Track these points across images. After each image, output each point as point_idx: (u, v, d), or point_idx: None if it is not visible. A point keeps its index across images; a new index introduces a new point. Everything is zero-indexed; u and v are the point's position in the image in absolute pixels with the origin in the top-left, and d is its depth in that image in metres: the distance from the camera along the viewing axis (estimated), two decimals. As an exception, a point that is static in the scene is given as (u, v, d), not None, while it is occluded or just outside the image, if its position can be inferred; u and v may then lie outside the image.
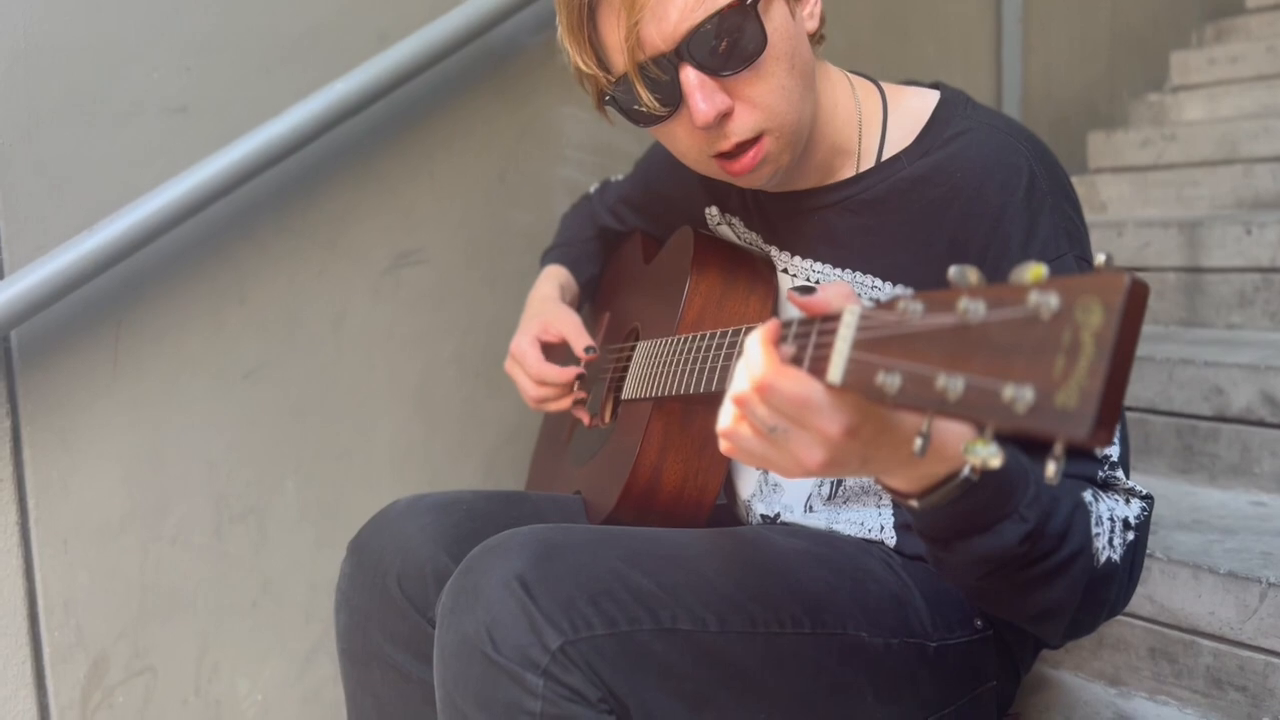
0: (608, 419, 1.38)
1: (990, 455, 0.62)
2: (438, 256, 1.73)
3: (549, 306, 1.44)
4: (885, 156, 1.14)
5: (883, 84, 1.19)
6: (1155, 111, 2.81)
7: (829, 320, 0.73)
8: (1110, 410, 0.54)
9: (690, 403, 1.17)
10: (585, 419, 1.38)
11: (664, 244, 1.40)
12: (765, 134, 1.04)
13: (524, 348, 1.36)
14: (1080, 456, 0.98)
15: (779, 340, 0.75)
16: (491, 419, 1.80)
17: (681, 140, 1.07)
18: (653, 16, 0.97)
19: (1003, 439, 0.68)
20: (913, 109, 1.15)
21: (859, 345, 0.68)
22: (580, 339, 1.36)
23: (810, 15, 1.07)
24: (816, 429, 0.72)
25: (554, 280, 1.52)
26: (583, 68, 1.03)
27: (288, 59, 1.56)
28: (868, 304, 0.70)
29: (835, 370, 0.69)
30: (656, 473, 1.16)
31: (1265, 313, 1.94)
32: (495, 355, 1.77)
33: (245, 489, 1.58)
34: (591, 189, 1.64)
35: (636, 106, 1.03)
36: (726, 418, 0.77)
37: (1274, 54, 2.64)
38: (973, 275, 0.64)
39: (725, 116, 1.02)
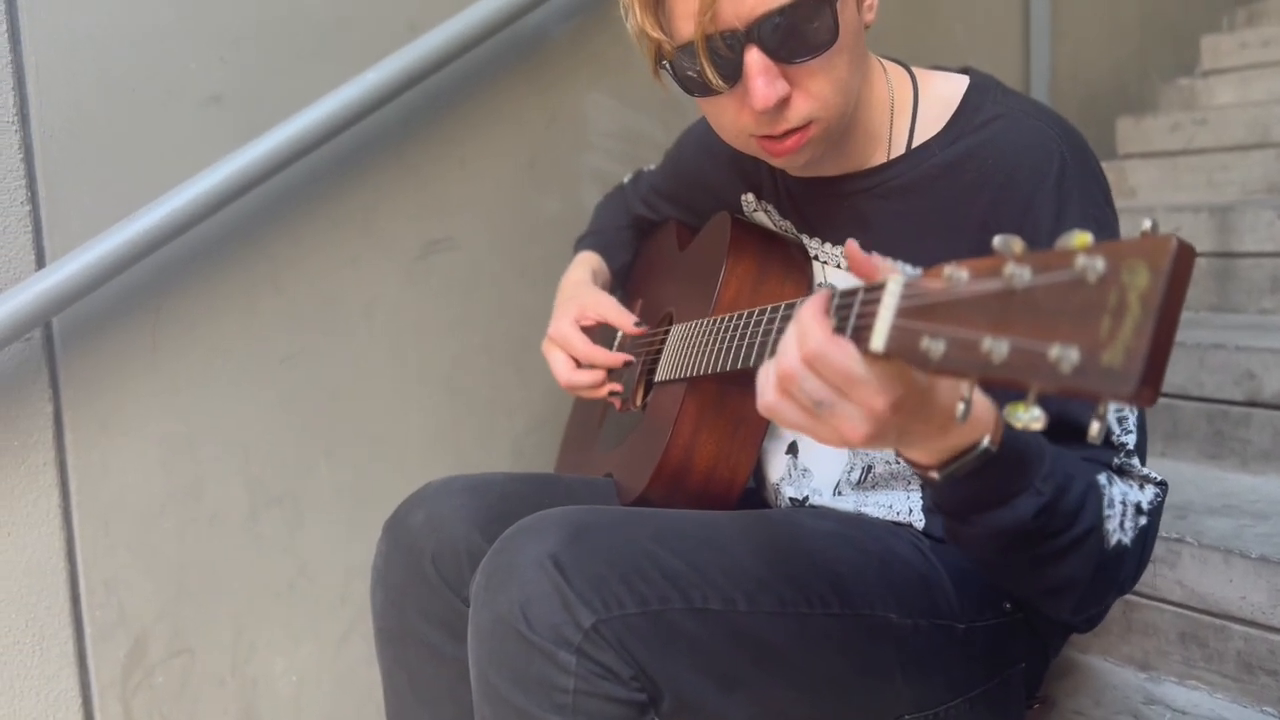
0: (639, 403, 1.39)
1: (1033, 419, 0.63)
2: (468, 244, 1.74)
3: (583, 290, 1.45)
4: (916, 143, 1.14)
5: (913, 68, 1.19)
6: (1185, 96, 2.79)
7: (873, 289, 0.73)
8: (1155, 369, 0.55)
9: (724, 382, 1.18)
10: (618, 404, 1.40)
11: (699, 231, 1.41)
12: (814, 122, 1.04)
13: (566, 331, 1.38)
14: (1103, 445, 0.99)
15: (829, 306, 0.77)
16: (520, 405, 1.82)
17: (728, 115, 1.07)
18: None
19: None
20: (942, 94, 1.15)
21: (903, 313, 0.69)
22: (623, 317, 1.37)
23: (870, 7, 1.07)
24: (861, 401, 0.73)
25: (586, 266, 1.53)
26: (648, 30, 1.02)
27: (320, 50, 1.58)
28: (912, 273, 0.71)
29: (878, 337, 0.70)
30: (689, 452, 1.18)
31: (1295, 298, 1.93)
32: (524, 342, 1.78)
33: (280, 472, 1.60)
34: (625, 179, 1.65)
35: (694, 75, 1.03)
36: (769, 389, 0.78)
37: (1308, 37, 2.62)
38: (1017, 245, 0.65)
39: (782, 102, 1.02)
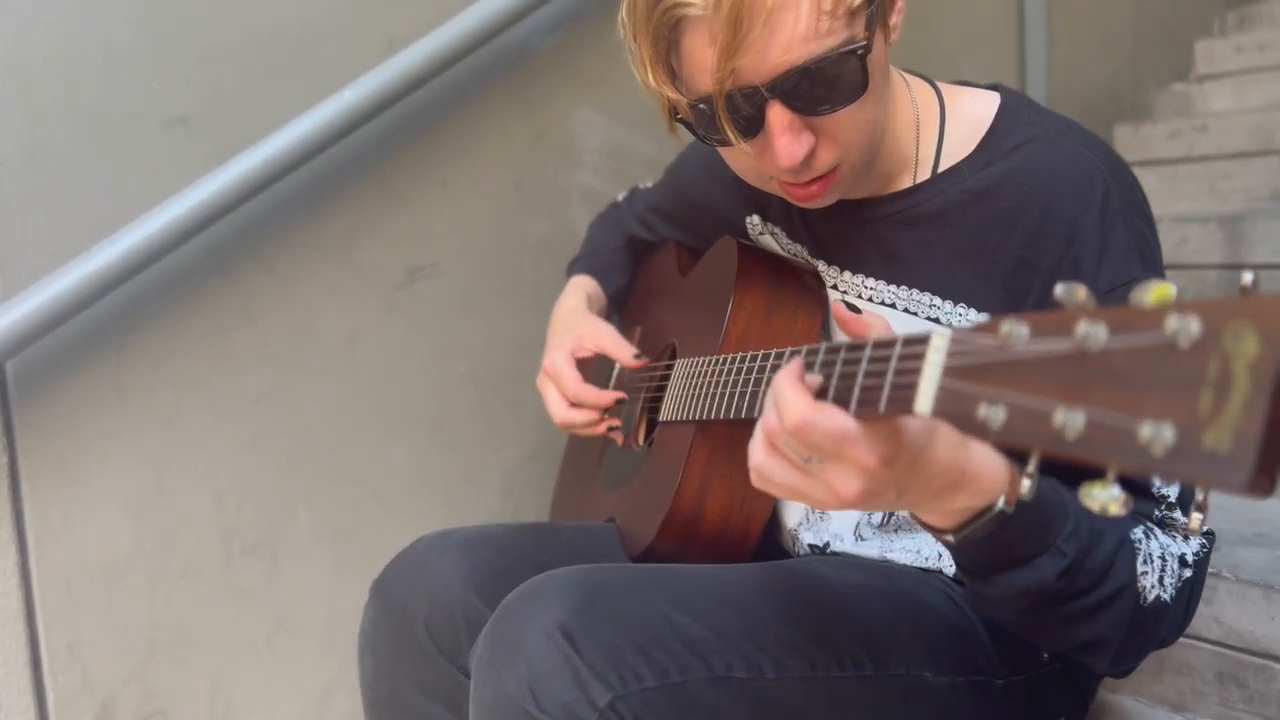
0: (641, 440, 1.30)
1: (1111, 499, 0.56)
2: (452, 270, 1.65)
3: (579, 319, 1.36)
4: (944, 166, 1.06)
5: (939, 84, 1.11)
6: (1181, 102, 2.73)
7: (913, 344, 0.66)
8: (1271, 455, 0.46)
9: (735, 426, 1.09)
10: (619, 439, 1.31)
11: (701, 254, 1.33)
12: (841, 165, 0.97)
13: (560, 365, 1.28)
14: (1137, 494, 0.92)
15: (803, 373, 0.73)
16: (510, 438, 1.72)
17: (746, 162, 0.99)
18: (749, 50, 0.87)
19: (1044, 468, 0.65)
20: (972, 114, 1.07)
21: (951, 372, 0.62)
22: (622, 349, 1.28)
23: (895, 26, 0.98)
24: (853, 459, 0.68)
25: (580, 291, 1.44)
26: (662, 89, 0.93)
27: (292, 67, 1.49)
28: (962, 325, 0.64)
29: (924, 399, 0.63)
30: (700, 501, 1.09)
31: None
32: (513, 372, 1.70)
33: (256, 519, 1.50)
34: (619, 197, 1.57)
35: (712, 130, 0.95)
36: (758, 451, 0.74)
37: (1304, 40, 2.57)
38: (1081, 294, 0.58)
39: (808, 154, 0.94)
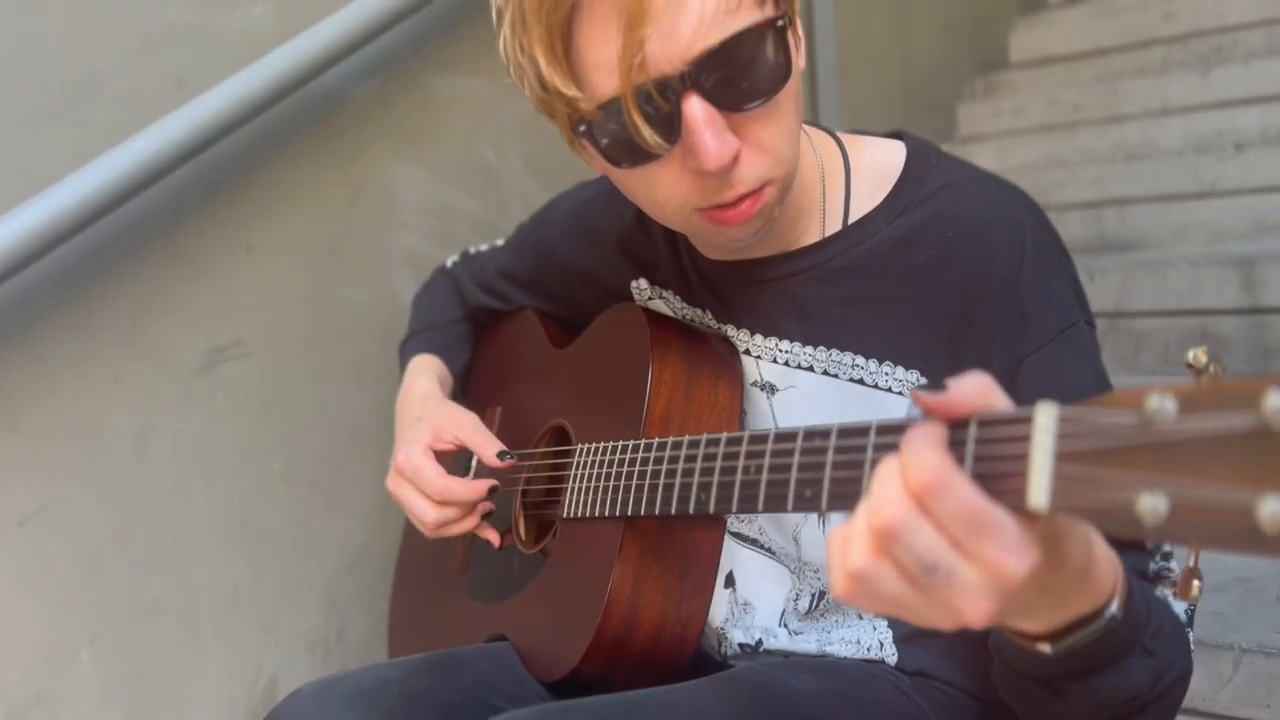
0: (524, 539, 1.13)
1: None
2: (261, 349, 1.42)
3: (435, 406, 1.18)
4: (854, 217, 0.99)
5: (839, 134, 1.05)
6: (947, 163, 2.88)
7: (1014, 423, 0.56)
8: None
9: (665, 518, 0.95)
10: (495, 540, 1.13)
11: (570, 325, 1.19)
12: (769, 183, 0.86)
13: (418, 461, 1.10)
14: (1128, 547, 0.87)
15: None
16: (331, 542, 1.50)
17: (664, 187, 0.86)
18: (659, 30, 0.77)
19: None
20: (878, 162, 1.01)
21: (1070, 457, 0.52)
22: (488, 444, 1.11)
23: (800, 50, 0.90)
24: (992, 565, 0.55)
25: (428, 373, 1.26)
26: (560, 87, 0.81)
27: (62, 114, 1.23)
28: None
29: (1037, 490, 0.53)
30: (633, 609, 0.94)
31: (1114, 356, 1.96)
32: (332, 466, 1.49)
33: (29, 671, 1.21)
34: (448, 262, 1.40)
35: (622, 138, 0.82)
36: (861, 554, 0.58)
37: (1055, 105, 2.77)
38: (1203, 356, 0.52)
39: (731, 162, 0.82)
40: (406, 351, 1.33)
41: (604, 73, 0.80)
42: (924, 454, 0.56)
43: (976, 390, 0.60)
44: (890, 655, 1.01)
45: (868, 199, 0.99)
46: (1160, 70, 2.73)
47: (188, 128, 1.25)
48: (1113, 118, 2.67)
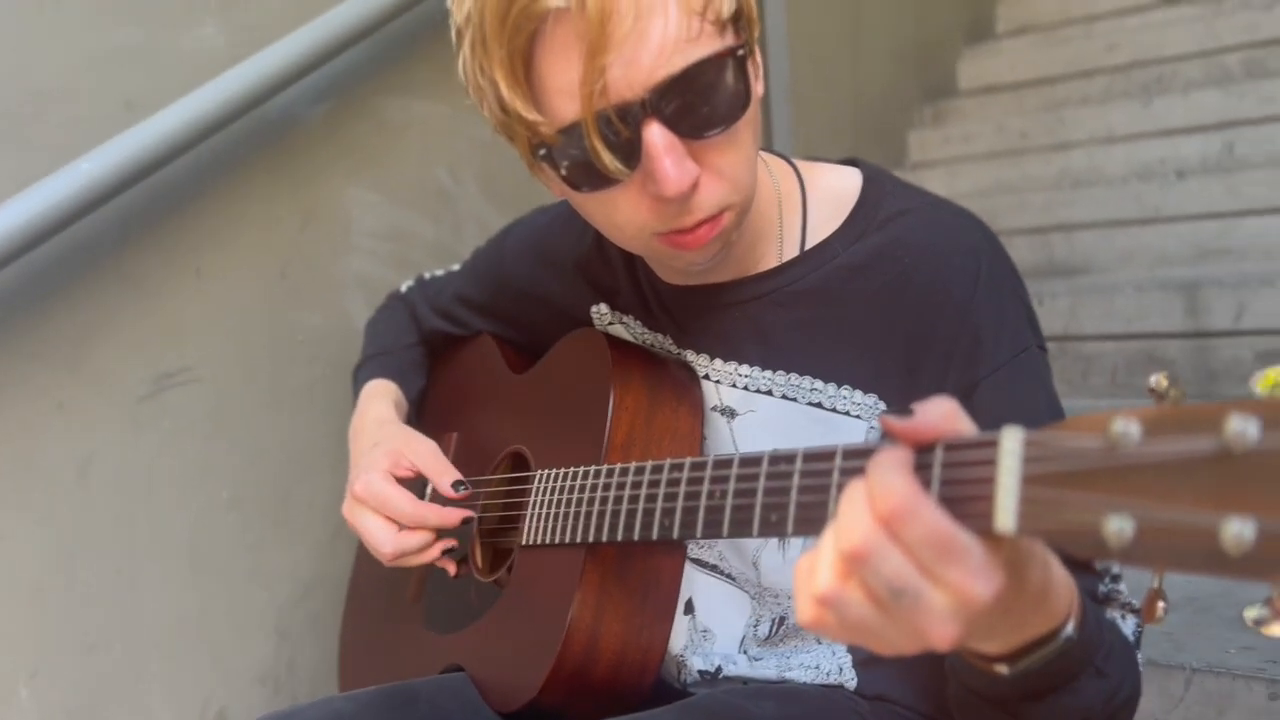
0: (480, 567, 1.11)
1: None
2: (210, 375, 1.39)
3: (392, 431, 1.16)
4: (811, 243, 1.00)
5: (795, 160, 1.05)
6: (898, 189, 2.91)
7: (980, 446, 0.56)
8: None
9: (626, 544, 0.94)
10: (451, 568, 1.11)
11: (529, 350, 1.18)
12: (727, 209, 0.86)
13: (380, 487, 1.07)
14: (1078, 569, 0.88)
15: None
16: (283, 572, 1.47)
17: (623, 211, 0.86)
18: (621, 57, 0.77)
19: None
20: (834, 188, 1.02)
21: (1037, 480, 0.53)
22: (445, 473, 1.09)
23: (759, 77, 0.91)
24: (958, 589, 0.55)
25: (384, 398, 1.24)
26: (520, 111, 0.80)
27: (6, 134, 1.22)
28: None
29: (1004, 513, 0.54)
30: (593, 638, 0.92)
31: (1063, 379, 1.99)
32: (282, 493, 1.46)
33: (-39, 711, 1.16)
34: (403, 287, 1.39)
35: (583, 163, 0.82)
36: (829, 578, 0.58)
37: (1003, 133, 2.82)
38: (1164, 380, 0.52)
39: (690, 188, 0.82)
40: (360, 376, 1.31)
41: (565, 97, 0.80)
42: (890, 479, 0.56)
43: (942, 415, 0.60)
44: (849, 680, 1.00)
45: (824, 225, 0.99)
46: (1104, 99, 2.79)
47: (136, 150, 1.23)
48: (1059, 145, 2.72)
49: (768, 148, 1.05)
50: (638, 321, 1.09)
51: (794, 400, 0.99)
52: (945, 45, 3.24)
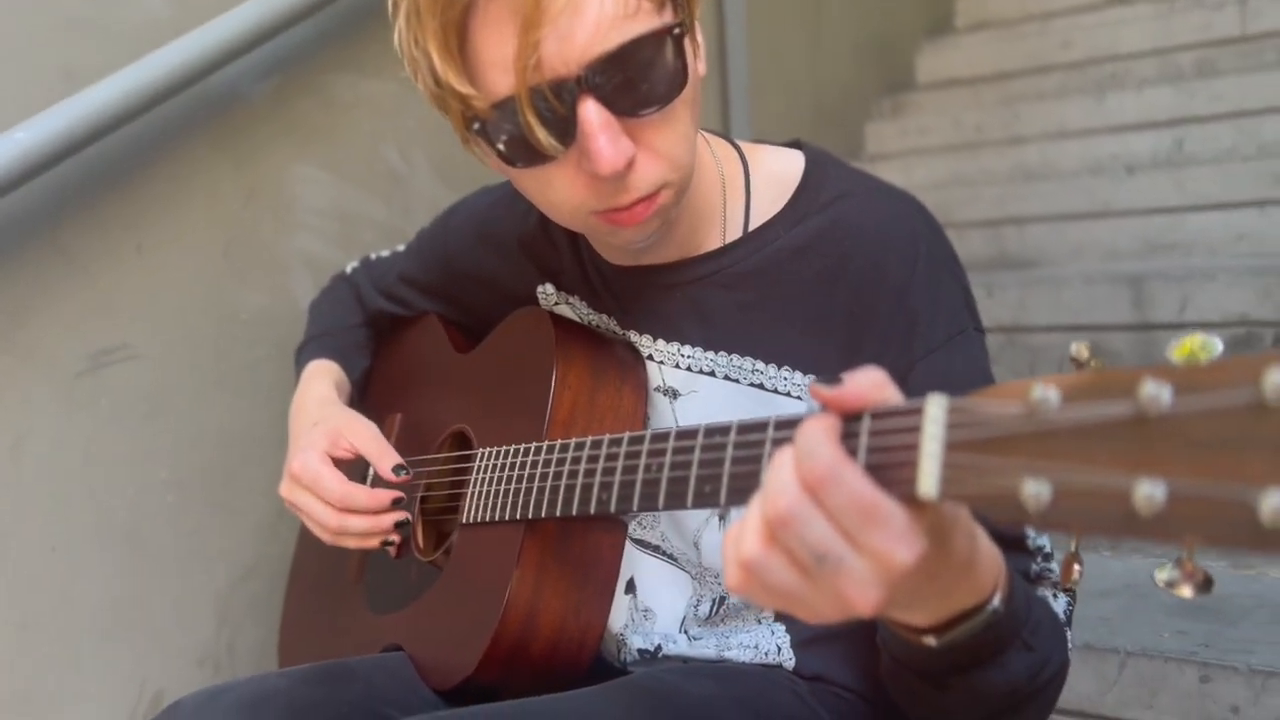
0: (422, 547, 1.10)
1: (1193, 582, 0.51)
2: (149, 352, 1.36)
3: (332, 412, 1.15)
4: (754, 224, 1.00)
5: (739, 142, 1.05)
6: (855, 180, 2.92)
7: (906, 414, 0.57)
8: None
9: (565, 520, 0.94)
10: (392, 550, 1.10)
11: (474, 330, 1.17)
12: (664, 187, 0.86)
13: (314, 467, 1.06)
14: (1011, 549, 0.89)
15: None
16: (223, 552, 1.44)
17: (559, 188, 0.85)
18: (556, 32, 0.76)
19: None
20: (777, 171, 1.02)
21: (960, 446, 0.53)
22: (385, 456, 1.08)
23: (700, 57, 0.90)
24: (881, 554, 0.55)
25: (325, 378, 1.23)
26: (453, 84, 0.79)
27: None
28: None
29: (927, 478, 0.54)
30: (531, 614, 0.92)
31: (1011, 370, 2.01)
32: (224, 473, 1.44)
33: (-115, 692, 1.13)
34: (348, 268, 1.37)
35: (517, 139, 0.81)
36: (754, 543, 0.58)
37: (959, 127, 2.84)
38: (1085, 350, 0.54)
39: (626, 166, 0.82)
40: (303, 356, 1.29)
41: (499, 71, 0.79)
42: (816, 446, 0.56)
43: (870, 384, 0.60)
44: (788, 660, 1.01)
45: (768, 207, 1.00)
46: (1059, 95, 2.82)
47: (74, 119, 1.20)
48: (1013, 139, 2.75)
49: (724, 134, 1.05)
50: (582, 302, 1.08)
51: (736, 381, 0.99)
52: (905, 39, 3.25)
